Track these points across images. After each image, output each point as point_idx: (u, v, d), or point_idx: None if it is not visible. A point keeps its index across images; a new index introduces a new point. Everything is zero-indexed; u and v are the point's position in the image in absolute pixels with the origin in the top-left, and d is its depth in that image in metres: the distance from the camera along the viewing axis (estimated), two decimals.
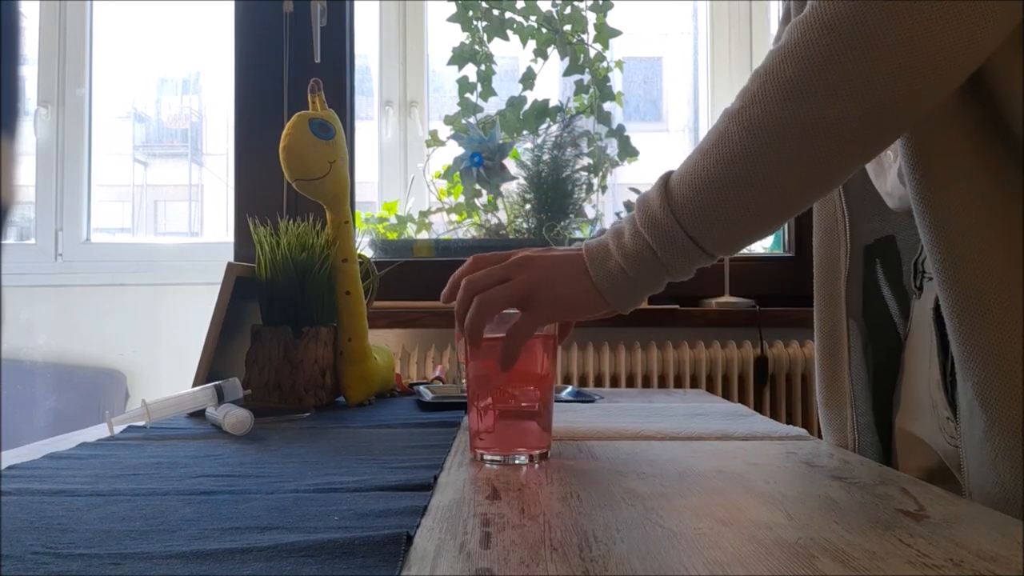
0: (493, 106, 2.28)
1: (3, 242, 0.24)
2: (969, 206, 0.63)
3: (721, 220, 0.64)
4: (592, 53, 2.26)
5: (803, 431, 0.85)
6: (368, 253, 1.88)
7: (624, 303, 0.70)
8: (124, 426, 0.87)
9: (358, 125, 2.31)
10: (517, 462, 0.68)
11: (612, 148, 2.26)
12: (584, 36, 2.26)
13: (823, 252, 0.87)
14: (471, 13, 2.25)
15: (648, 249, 0.67)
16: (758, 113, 0.61)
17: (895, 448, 0.82)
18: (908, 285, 0.81)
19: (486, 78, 2.25)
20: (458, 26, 2.27)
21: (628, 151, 2.25)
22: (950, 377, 0.71)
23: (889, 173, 0.77)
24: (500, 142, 2.17)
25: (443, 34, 2.38)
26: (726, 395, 1.91)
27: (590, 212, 2.27)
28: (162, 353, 2.28)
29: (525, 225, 2.23)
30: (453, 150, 2.23)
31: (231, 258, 2.05)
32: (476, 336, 0.68)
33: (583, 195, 2.24)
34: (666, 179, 0.68)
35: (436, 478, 0.61)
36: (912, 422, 0.78)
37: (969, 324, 0.63)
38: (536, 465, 0.68)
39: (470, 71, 2.26)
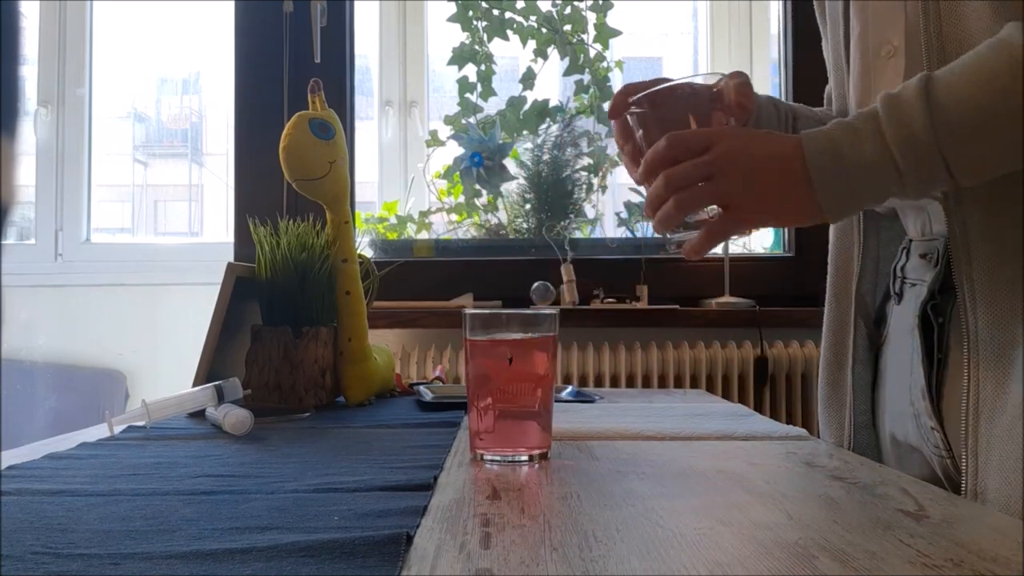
0: (493, 106, 2.28)
1: (3, 242, 0.24)
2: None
3: (992, 153, 0.59)
4: (592, 53, 2.26)
5: (803, 431, 0.85)
6: (368, 253, 1.88)
7: (841, 216, 0.66)
8: (124, 426, 0.87)
9: (358, 125, 2.31)
10: (517, 462, 0.68)
11: (612, 148, 2.26)
12: (584, 36, 2.26)
13: (837, 251, 0.86)
14: (471, 13, 2.25)
15: (892, 167, 0.61)
16: None
17: (885, 453, 0.81)
18: (888, 290, 0.80)
19: (486, 78, 2.25)
20: (458, 26, 2.27)
21: None
22: (935, 386, 0.69)
23: None
24: (500, 142, 2.17)
25: (443, 34, 2.38)
26: (726, 395, 1.91)
27: (590, 212, 2.27)
28: (162, 353, 2.28)
29: (525, 225, 2.23)
30: (453, 150, 2.23)
31: (231, 258, 2.05)
32: (667, 227, 0.66)
33: (583, 195, 2.24)
34: (925, 87, 0.60)
35: (436, 478, 0.61)
36: (898, 428, 0.77)
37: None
38: (536, 465, 0.68)
39: (470, 71, 2.26)
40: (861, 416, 0.84)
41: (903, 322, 0.75)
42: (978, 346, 0.64)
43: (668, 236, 0.71)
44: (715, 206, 0.67)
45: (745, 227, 0.67)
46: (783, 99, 2.20)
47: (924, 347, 0.71)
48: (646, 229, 2.32)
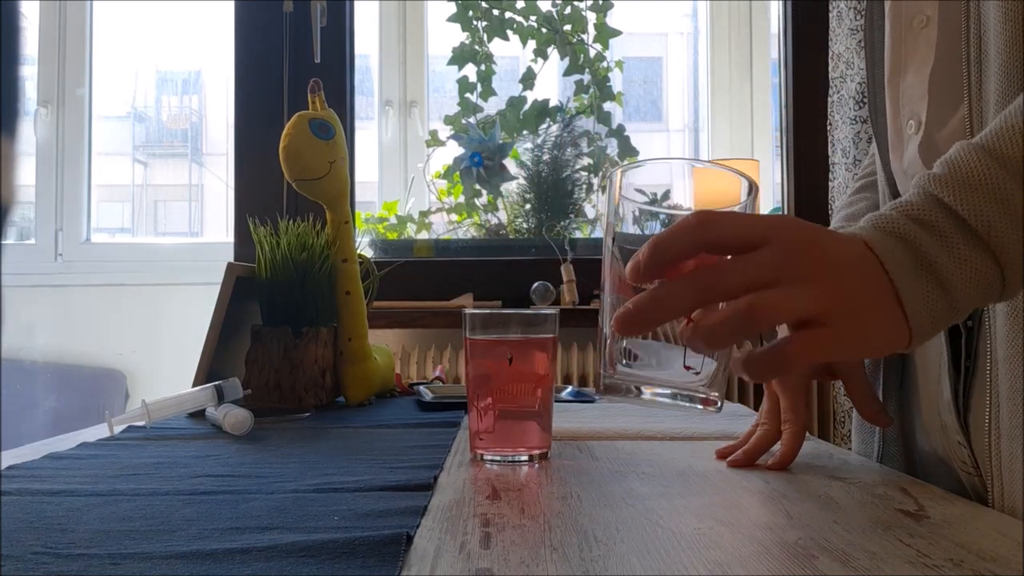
0: (493, 106, 2.28)
1: (3, 242, 0.24)
2: None
3: None
4: (592, 53, 2.26)
5: None
6: (368, 253, 1.88)
7: (928, 338, 0.48)
8: (124, 426, 0.87)
9: (358, 125, 2.31)
10: (517, 462, 0.68)
11: (612, 148, 2.26)
12: (584, 36, 2.26)
13: None
14: (471, 13, 2.25)
15: (990, 258, 0.46)
16: None
17: (918, 466, 0.74)
18: None
19: (486, 78, 2.25)
20: (458, 26, 2.27)
21: (628, 151, 2.26)
22: (962, 399, 0.64)
23: (908, 146, 0.69)
24: (500, 142, 2.17)
25: (443, 34, 2.38)
26: (726, 395, 1.91)
27: (590, 212, 2.27)
28: (162, 353, 2.28)
29: (525, 225, 2.24)
30: (453, 150, 2.24)
31: (231, 258, 2.05)
32: (721, 344, 0.48)
33: (583, 195, 2.24)
34: (986, 154, 0.47)
35: (436, 478, 0.61)
36: (926, 441, 0.72)
37: None
38: (536, 465, 0.68)
39: (470, 71, 2.26)
40: (891, 429, 0.77)
41: None
42: (998, 354, 0.58)
43: (622, 378, 0.51)
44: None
45: (830, 354, 0.48)
46: (783, 99, 2.21)
47: (951, 354, 0.64)
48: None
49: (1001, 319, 0.58)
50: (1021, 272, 0.47)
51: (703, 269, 0.45)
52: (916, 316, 0.46)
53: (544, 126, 2.27)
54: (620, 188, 0.53)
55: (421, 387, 1.16)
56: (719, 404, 0.52)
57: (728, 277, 0.45)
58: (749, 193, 0.53)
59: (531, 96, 2.28)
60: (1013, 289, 0.48)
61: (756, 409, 1.73)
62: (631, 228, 0.53)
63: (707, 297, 0.46)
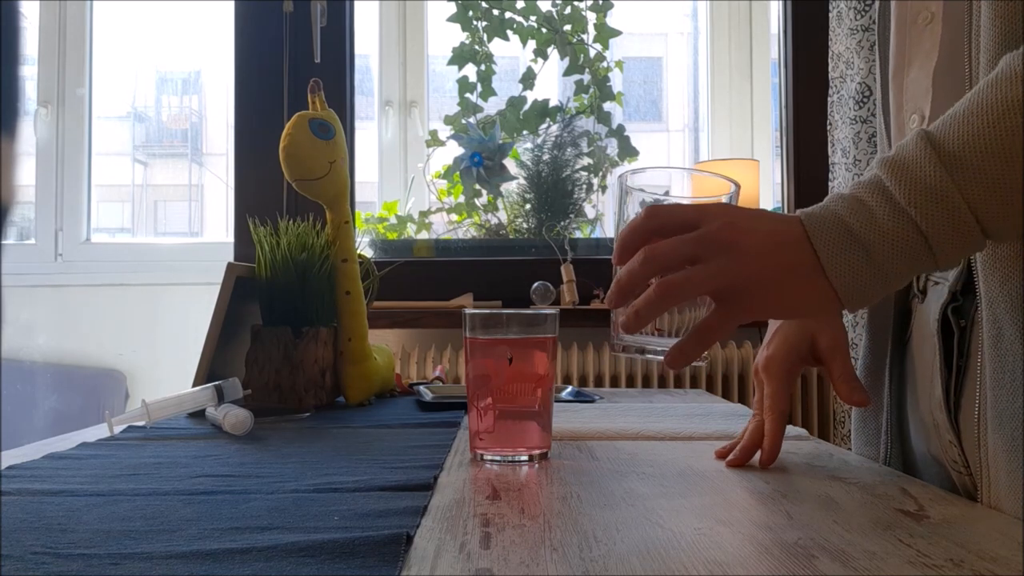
0: (493, 106, 2.28)
1: (3, 242, 0.24)
2: None
3: (1014, 201, 0.50)
4: (592, 53, 2.26)
5: (803, 431, 0.85)
6: (368, 253, 1.88)
7: (864, 303, 0.54)
8: (124, 426, 0.87)
9: (358, 125, 2.31)
10: (517, 462, 0.68)
11: (612, 148, 2.26)
12: (584, 36, 2.26)
13: None
14: (471, 13, 2.25)
15: (915, 234, 0.51)
16: None
17: (915, 466, 0.74)
18: (911, 286, 0.74)
19: (486, 78, 2.25)
20: (458, 26, 2.27)
21: (628, 151, 2.26)
22: (954, 398, 0.64)
23: None
24: (500, 142, 2.17)
25: (443, 34, 2.38)
26: (726, 395, 1.91)
27: (590, 212, 2.27)
28: (162, 353, 2.28)
29: (525, 225, 2.24)
30: (453, 150, 2.24)
31: (231, 258, 2.05)
32: (642, 324, 0.55)
33: (583, 195, 2.24)
34: (928, 142, 0.52)
35: (436, 478, 0.61)
36: (921, 440, 0.72)
37: None
38: (536, 465, 0.68)
39: (470, 71, 2.26)
40: (893, 427, 0.77)
41: (925, 324, 0.70)
42: (986, 351, 0.59)
43: (624, 340, 0.60)
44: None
45: (742, 322, 0.55)
46: (783, 99, 2.21)
47: (943, 353, 0.65)
48: None
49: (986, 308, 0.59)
50: (951, 244, 0.51)
51: (647, 248, 0.54)
52: (842, 285, 0.53)
53: (544, 126, 2.27)
54: (627, 185, 0.63)
55: (421, 387, 1.16)
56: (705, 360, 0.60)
57: (662, 253, 0.54)
58: (731, 191, 0.62)
59: (531, 96, 2.28)
60: (946, 259, 0.52)
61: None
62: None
63: (653, 270, 0.54)
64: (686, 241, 0.54)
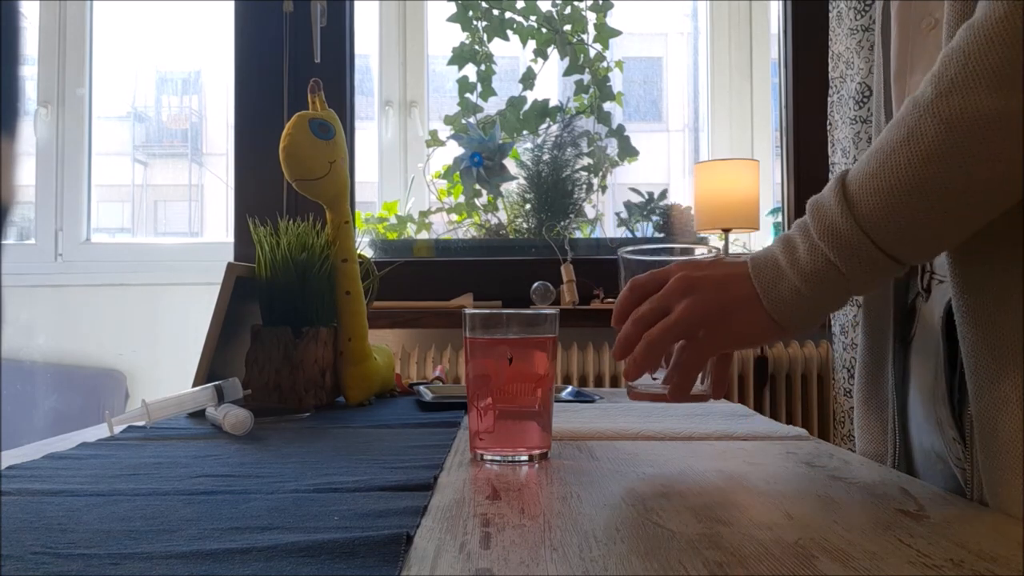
0: (493, 106, 2.28)
1: (3, 242, 0.24)
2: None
3: (915, 227, 0.56)
4: (592, 53, 2.26)
5: (803, 431, 0.85)
6: (368, 253, 1.88)
7: (800, 327, 0.63)
8: (124, 426, 0.87)
9: (358, 125, 2.31)
10: (517, 462, 0.68)
11: (612, 148, 2.26)
12: (584, 36, 2.26)
13: None
14: (471, 13, 2.25)
15: (828, 265, 0.59)
16: (958, 103, 0.53)
17: (913, 461, 0.75)
18: (914, 284, 0.74)
19: (486, 78, 2.25)
20: (458, 26, 2.27)
21: (628, 151, 2.26)
22: (957, 394, 0.65)
23: None
24: (500, 142, 2.17)
25: (443, 34, 2.38)
26: (726, 395, 1.91)
27: (590, 212, 2.27)
28: (162, 353, 2.28)
29: (525, 225, 2.24)
30: (453, 150, 2.24)
31: (231, 258, 2.05)
32: (640, 372, 0.66)
33: (583, 195, 2.24)
34: (842, 181, 0.60)
35: (436, 478, 0.61)
36: (925, 437, 0.72)
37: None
38: (536, 465, 0.68)
39: (470, 71, 2.26)
40: (898, 425, 0.77)
41: (930, 322, 0.71)
42: (978, 349, 0.60)
43: (635, 387, 0.70)
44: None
45: (712, 355, 0.66)
46: (783, 99, 2.21)
47: (947, 351, 0.66)
48: (647, 229, 2.32)
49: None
50: (862, 274, 0.59)
51: (634, 312, 0.66)
52: (780, 315, 0.62)
53: (544, 126, 2.27)
54: (624, 258, 0.75)
55: (421, 387, 1.16)
56: (708, 398, 0.71)
57: (641, 315, 0.66)
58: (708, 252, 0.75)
59: (531, 96, 2.28)
60: (859, 287, 0.60)
61: (756, 408, 1.73)
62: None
63: (640, 328, 0.65)
64: (656, 299, 0.65)
